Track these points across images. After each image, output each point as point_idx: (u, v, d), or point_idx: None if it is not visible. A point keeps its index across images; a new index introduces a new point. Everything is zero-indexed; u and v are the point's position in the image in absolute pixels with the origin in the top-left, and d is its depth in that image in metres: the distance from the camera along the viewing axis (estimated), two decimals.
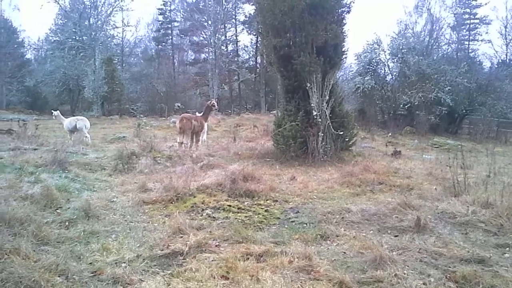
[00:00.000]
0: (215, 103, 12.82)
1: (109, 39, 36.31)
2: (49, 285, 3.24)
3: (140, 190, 6.63)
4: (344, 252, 4.22)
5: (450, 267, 3.79)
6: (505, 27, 35.45)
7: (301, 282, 3.44)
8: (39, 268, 3.42)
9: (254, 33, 37.09)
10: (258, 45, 35.64)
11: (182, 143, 11.20)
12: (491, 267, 3.76)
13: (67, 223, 4.87)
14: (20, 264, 3.38)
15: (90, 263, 3.79)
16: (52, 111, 14.09)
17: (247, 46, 42.24)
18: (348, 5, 11.14)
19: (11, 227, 4.29)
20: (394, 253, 4.06)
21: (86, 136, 12.98)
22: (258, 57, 38.70)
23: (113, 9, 32.72)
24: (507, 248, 4.29)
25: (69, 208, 5.43)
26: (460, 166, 7.04)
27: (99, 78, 28.66)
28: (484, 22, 39.57)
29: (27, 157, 8.37)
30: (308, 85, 10.44)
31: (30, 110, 31.36)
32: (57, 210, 5.36)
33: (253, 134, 16.98)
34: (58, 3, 32.39)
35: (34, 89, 35.05)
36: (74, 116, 14.51)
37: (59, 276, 3.43)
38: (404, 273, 3.59)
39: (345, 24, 11.17)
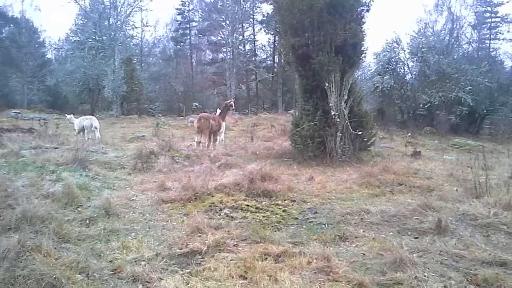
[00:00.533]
0: (233, 103, 12.87)
1: (128, 39, 36.70)
2: (70, 282, 3.29)
3: (159, 189, 6.69)
4: (363, 254, 4.18)
5: (471, 269, 3.72)
6: None
7: (319, 283, 3.42)
8: (60, 265, 3.48)
9: (272, 33, 37.04)
10: (276, 44, 35.56)
11: (200, 142, 11.26)
12: None
13: (87, 221, 4.94)
14: (41, 262, 3.44)
15: (110, 261, 3.84)
16: (66, 115, 14.79)
17: (264, 46, 42.26)
18: (367, 4, 11.04)
19: (32, 225, 4.38)
20: (414, 255, 4.00)
21: (96, 135, 13.21)
22: (275, 57, 38.66)
23: (132, 9, 33.05)
24: None
25: (89, 206, 5.51)
26: (481, 167, 6.91)
27: (118, 78, 28.99)
28: (506, 20, 38.70)
29: (48, 156, 8.51)
30: (327, 84, 10.38)
31: (50, 109, 31.82)
32: (78, 208, 5.44)
33: (270, 134, 16.97)
34: (78, 3, 32.91)
35: (55, 88, 35.60)
36: (85, 115, 14.81)
37: (79, 274, 3.48)
38: (425, 276, 3.55)
39: (364, 23, 11.08)
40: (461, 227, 4.97)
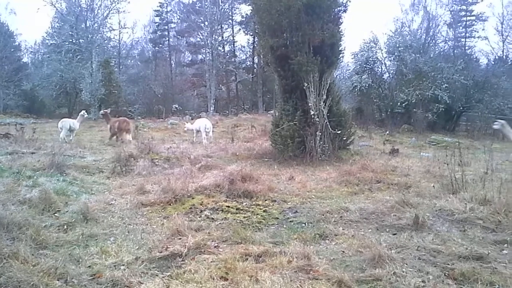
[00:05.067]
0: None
1: (105, 41, 36.14)
2: None
3: (138, 193, 6.63)
4: (343, 251, 4.23)
5: (448, 264, 3.79)
6: (501, 23, 35.57)
7: (300, 282, 3.44)
8: (38, 272, 3.42)
9: (251, 34, 37.09)
10: (255, 45, 35.61)
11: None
12: (489, 264, 3.76)
13: (65, 227, 4.86)
14: (19, 269, 3.38)
15: (89, 266, 3.79)
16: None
17: (244, 47, 42.31)
18: (344, 4, 11.16)
19: (9, 232, 4.29)
20: (392, 251, 4.07)
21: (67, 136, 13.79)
22: (255, 57, 38.69)
23: (109, 11, 32.55)
24: (505, 245, 4.31)
25: (67, 211, 5.43)
26: (457, 163, 7.05)
27: (96, 81, 28.56)
28: (481, 19, 39.58)
29: (24, 161, 8.37)
30: (306, 84, 10.45)
31: (27, 114, 31.13)
32: (56, 214, 5.35)
33: (251, 135, 16.97)
34: (55, 6, 32.25)
35: (31, 92, 34.82)
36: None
37: (58, 280, 3.43)
38: (403, 271, 3.60)
39: (341, 23, 11.20)
40: (438, 223, 5.08)
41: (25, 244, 3.94)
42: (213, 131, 15.59)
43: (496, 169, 7.64)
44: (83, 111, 14.99)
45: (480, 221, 5.00)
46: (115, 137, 13.99)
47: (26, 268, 3.44)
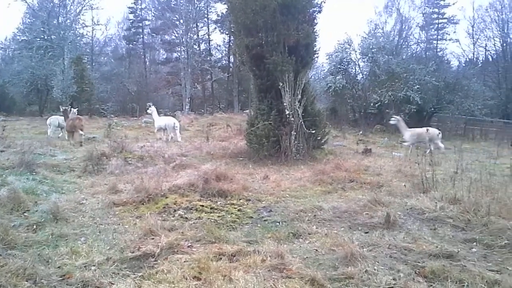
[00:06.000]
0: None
1: (78, 38, 35.45)
2: None
3: (110, 192, 6.51)
4: (316, 250, 4.25)
5: (419, 262, 3.85)
6: (472, 26, 36.66)
7: (273, 281, 3.44)
8: (6, 272, 3.34)
9: (227, 32, 37.00)
10: (231, 44, 35.52)
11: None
12: (459, 262, 3.84)
13: (34, 227, 4.74)
14: None
15: (59, 267, 3.70)
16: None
17: (219, 45, 42.13)
18: (319, 5, 11.28)
19: None
20: (364, 249, 4.12)
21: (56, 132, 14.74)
22: (230, 56, 38.61)
23: (82, 7, 32.05)
24: (474, 243, 4.40)
25: (36, 211, 5.30)
26: (428, 163, 7.21)
27: (68, 78, 27.93)
28: (452, 21, 40.77)
29: None
30: (281, 84, 10.49)
31: None
32: (25, 213, 5.22)
33: (226, 134, 16.94)
34: (26, 2, 31.51)
35: (1, 89, 33.66)
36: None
37: (27, 281, 3.35)
38: (375, 269, 3.64)
39: (316, 24, 11.31)
40: (409, 221, 5.17)
41: None
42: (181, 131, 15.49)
43: (466, 169, 7.82)
44: (73, 109, 15.17)
45: (450, 220, 5.10)
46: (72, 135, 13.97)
47: None
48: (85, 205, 5.92)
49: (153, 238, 4.42)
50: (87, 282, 3.38)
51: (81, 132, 13.48)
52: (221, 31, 39.91)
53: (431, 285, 3.42)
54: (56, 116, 15.67)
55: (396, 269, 3.71)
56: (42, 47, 31.35)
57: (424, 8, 38.69)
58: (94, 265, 3.72)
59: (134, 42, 45.30)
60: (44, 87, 31.67)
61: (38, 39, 32.19)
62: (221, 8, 38.27)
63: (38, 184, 6.81)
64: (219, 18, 39.16)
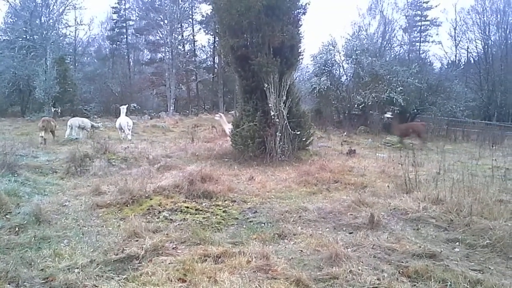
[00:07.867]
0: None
1: (61, 38, 34.84)
2: None
3: (93, 194, 6.45)
4: (301, 251, 4.27)
5: (402, 262, 3.90)
6: (455, 29, 37.11)
7: (258, 282, 3.45)
8: None
9: (211, 33, 36.93)
10: (216, 45, 35.51)
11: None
12: (442, 262, 3.89)
13: (17, 229, 4.69)
14: None
15: (42, 270, 3.66)
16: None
17: (204, 46, 42.04)
18: (304, 7, 11.29)
19: None
20: (349, 249, 4.16)
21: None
22: (215, 57, 38.58)
23: (65, 7, 31.43)
24: (457, 243, 4.47)
25: (19, 213, 5.23)
26: (411, 164, 7.30)
27: (50, 78, 27.48)
28: (435, 24, 41.47)
29: None
30: (266, 85, 10.51)
31: None
32: (7, 216, 5.16)
33: (211, 135, 16.89)
34: (8, 1, 30.90)
35: None
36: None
37: (9, 284, 3.32)
38: (359, 269, 3.67)
39: (301, 25, 11.32)
40: (392, 222, 5.23)
41: None
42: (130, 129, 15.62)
43: (448, 169, 7.95)
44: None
45: (433, 220, 5.18)
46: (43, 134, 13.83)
47: None
48: (68, 207, 5.86)
49: (137, 240, 4.39)
50: (70, 284, 3.36)
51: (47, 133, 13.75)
52: (206, 31, 39.89)
53: (415, 285, 3.46)
54: (76, 118, 16.20)
55: (380, 269, 3.75)
56: (24, 47, 30.78)
57: (407, 11, 39.29)
58: (77, 268, 3.68)
59: (118, 42, 44.83)
60: (26, 88, 31.13)
61: (20, 39, 31.60)
62: (206, 8, 38.26)
63: (20, 185, 6.71)
64: (204, 18, 39.07)
